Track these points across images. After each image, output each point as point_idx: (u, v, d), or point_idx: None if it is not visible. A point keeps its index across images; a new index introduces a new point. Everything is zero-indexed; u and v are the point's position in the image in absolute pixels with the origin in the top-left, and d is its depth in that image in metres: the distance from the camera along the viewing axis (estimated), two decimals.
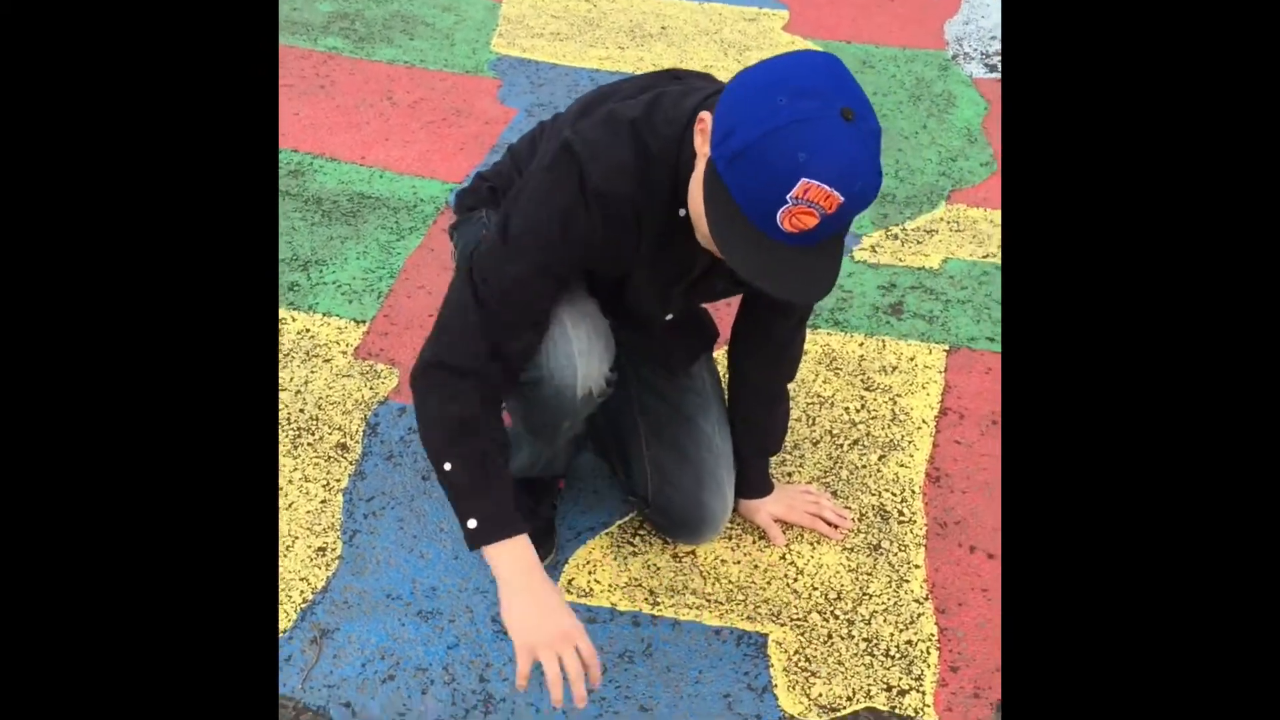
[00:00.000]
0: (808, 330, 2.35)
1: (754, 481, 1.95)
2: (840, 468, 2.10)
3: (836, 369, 2.30)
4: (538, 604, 1.50)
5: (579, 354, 1.61)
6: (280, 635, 1.79)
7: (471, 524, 1.53)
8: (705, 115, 1.44)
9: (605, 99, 1.65)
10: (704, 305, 1.92)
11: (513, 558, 1.52)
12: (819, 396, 2.23)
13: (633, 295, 1.68)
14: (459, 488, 1.54)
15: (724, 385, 1.97)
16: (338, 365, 2.25)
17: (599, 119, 1.53)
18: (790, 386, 1.95)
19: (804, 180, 1.33)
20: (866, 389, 2.26)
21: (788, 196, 1.34)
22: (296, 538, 1.93)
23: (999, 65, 3.30)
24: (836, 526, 1.97)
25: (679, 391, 1.88)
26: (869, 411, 2.21)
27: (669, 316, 1.76)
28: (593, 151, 1.49)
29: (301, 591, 1.85)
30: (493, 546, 1.52)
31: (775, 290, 1.41)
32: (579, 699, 1.47)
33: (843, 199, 1.34)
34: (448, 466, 1.53)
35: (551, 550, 1.90)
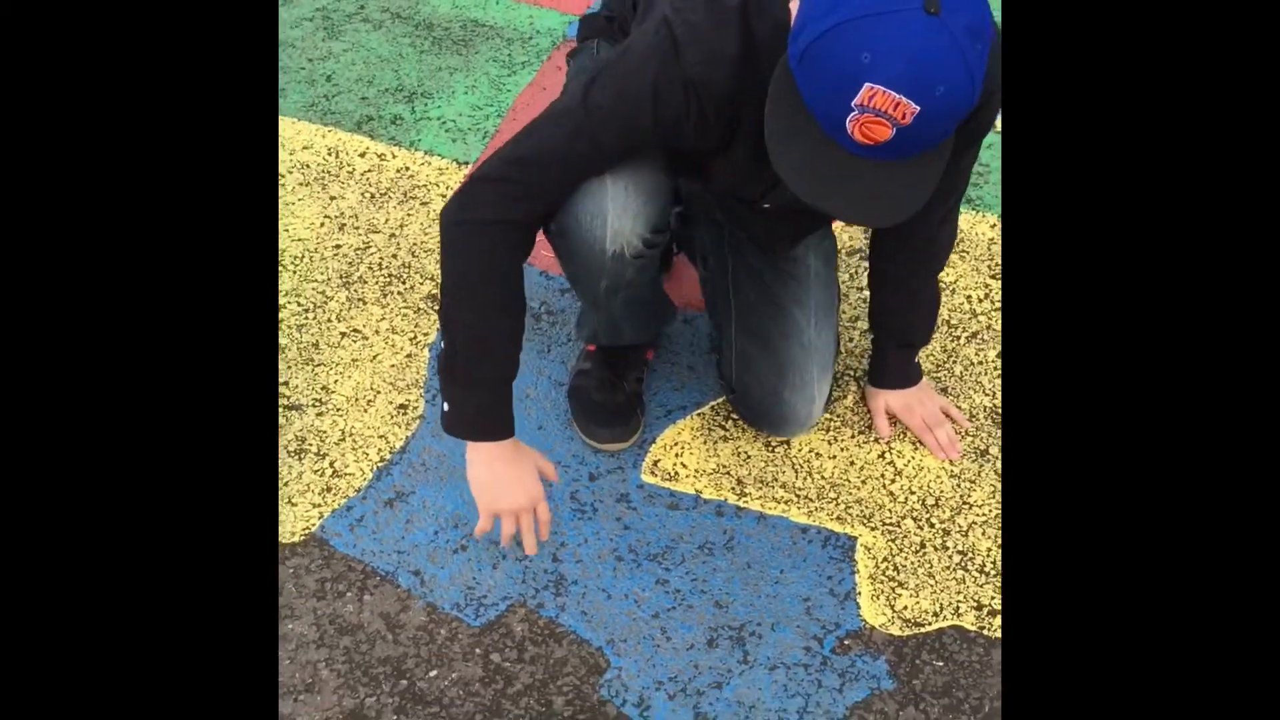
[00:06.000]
0: None
1: (891, 370, 1.83)
2: (955, 362, 1.96)
3: (963, 252, 2.13)
4: (506, 468, 1.52)
5: (611, 208, 1.49)
6: (354, 494, 1.75)
7: (454, 410, 1.51)
8: (795, 3, 1.27)
9: None
10: None
11: (492, 443, 1.53)
12: (940, 282, 2.07)
13: (720, 180, 1.55)
14: (463, 361, 1.50)
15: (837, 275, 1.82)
16: (435, 209, 2.16)
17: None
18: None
19: (868, 85, 1.15)
20: (993, 276, 2.09)
21: (853, 104, 1.17)
22: (379, 392, 1.88)
23: None
24: (945, 450, 1.84)
25: (777, 275, 1.75)
26: (993, 302, 2.05)
27: (766, 205, 1.62)
28: (693, 35, 1.35)
29: (379, 450, 1.81)
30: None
31: (834, 210, 1.27)
32: (528, 546, 1.56)
33: (918, 108, 1.16)
34: (462, 333, 1.48)
35: (637, 430, 1.82)
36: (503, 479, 1.52)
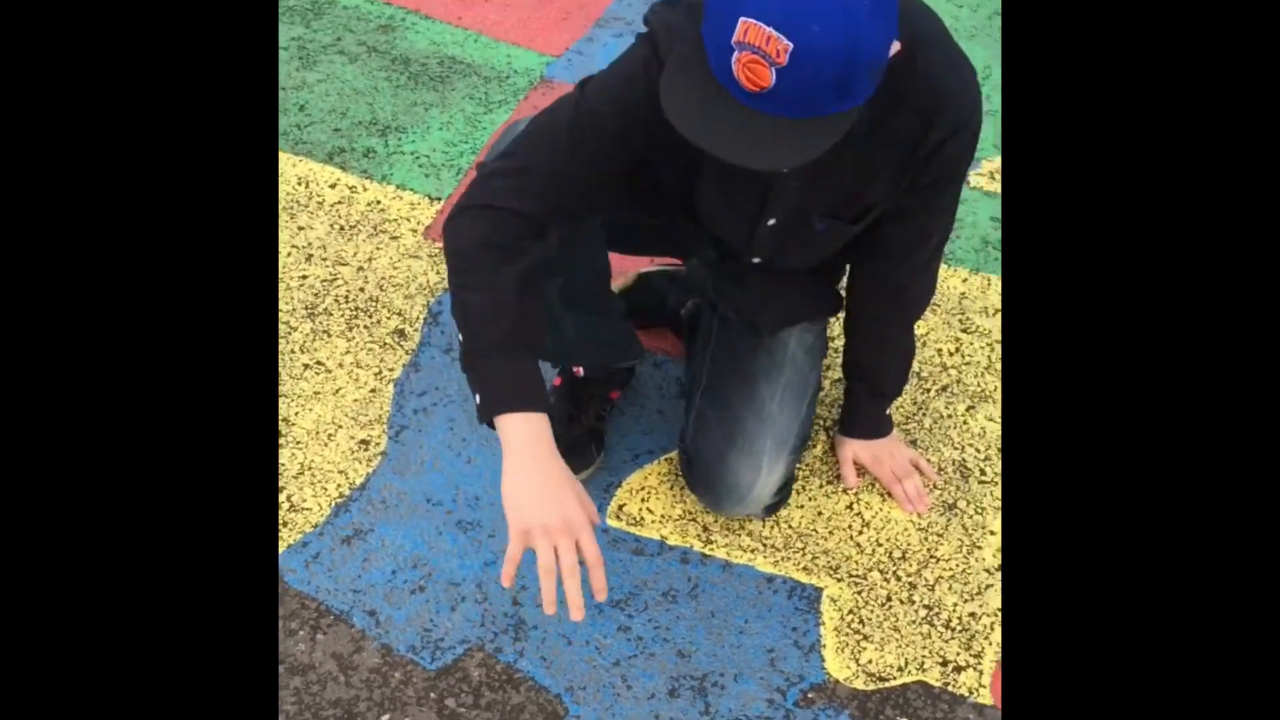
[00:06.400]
0: None
1: (862, 420, 1.81)
2: (924, 415, 1.95)
3: (934, 306, 2.12)
4: (544, 481, 1.34)
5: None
6: (310, 530, 1.71)
7: (483, 392, 1.36)
8: None
9: None
10: (817, 267, 1.76)
11: (527, 428, 1.35)
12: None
13: (709, 209, 1.54)
14: (479, 332, 1.37)
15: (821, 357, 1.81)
16: (405, 244, 2.14)
17: (683, 7, 1.38)
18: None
19: (743, 19, 1.16)
20: (964, 330, 2.09)
21: (732, 41, 1.18)
22: (340, 426, 1.84)
23: None
24: (913, 503, 1.82)
25: (751, 351, 1.73)
26: (963, 356, 2.04)
27: (756, 260, 1.61)
28: (666, 27, 1.36)
29: (339, 485, 1.77)
30: (502, 419, 1.35)
31: (702, 141, 1.23)
32: (573, 604, 1.32)
33: (790, 44, 1.15)
34: (474, 307, 1.37)
35: (591, 465, 1.79)
36: (537, 490, 1.34)
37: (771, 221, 1.54)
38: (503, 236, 1.39)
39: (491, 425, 1.37)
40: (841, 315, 1.80)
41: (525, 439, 1.35)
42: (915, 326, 1.76)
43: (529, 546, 1.34)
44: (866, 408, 1.80)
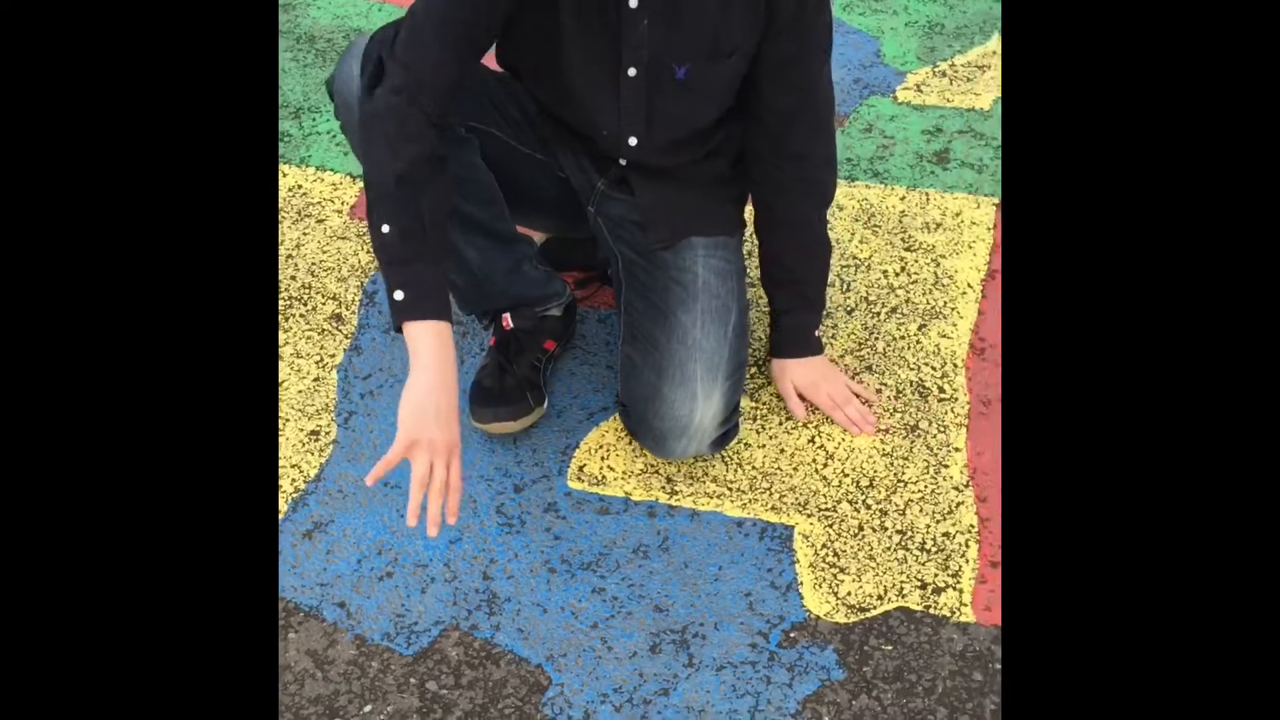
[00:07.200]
0: (842, 182, 2.15)
1: (789, 337, 1.79)
2: (876, 339, 1.93)
3: (874, 227, 2.10)
4: (442, 403, 1.43)
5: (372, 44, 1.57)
6: None
7: (399, 295, 1.45)
8: None
9: None
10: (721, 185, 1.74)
11: (439, 340, 1.45)
12: (854, 259, 2.05)
13: (571, 65, 1.57)
14: (392, 250, 1.46)
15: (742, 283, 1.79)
16: (332, 226, 2.08)
17: None
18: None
19: None
20: (907, 249, 2.07)
21: None
22: (288, 420, 1.80)
23: None
24: (859, 426, 1.80)
25: (662, 286, 1.70)
26: (909, 275, 2.03)
27: (633, 141, 1.64)
28: None
29: (293, 480, 1.73)
30: (418, 325, 1.44)
31: None
32: (433, 520, 1.41)
33: None
34: (385, 228, 1.46)
35: (526, 414, 1.76)
36: (435, 409, 1.42)
37: (632, 71, 1.57)
38: (419, 137, 1.46)
39: (399, 327, 1.46)
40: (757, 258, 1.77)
41: (436, 354, 1.44)
42: (855, 252, 1.75)
43: (408, 458, 1.42)
44: (791, 322, 1.78)
